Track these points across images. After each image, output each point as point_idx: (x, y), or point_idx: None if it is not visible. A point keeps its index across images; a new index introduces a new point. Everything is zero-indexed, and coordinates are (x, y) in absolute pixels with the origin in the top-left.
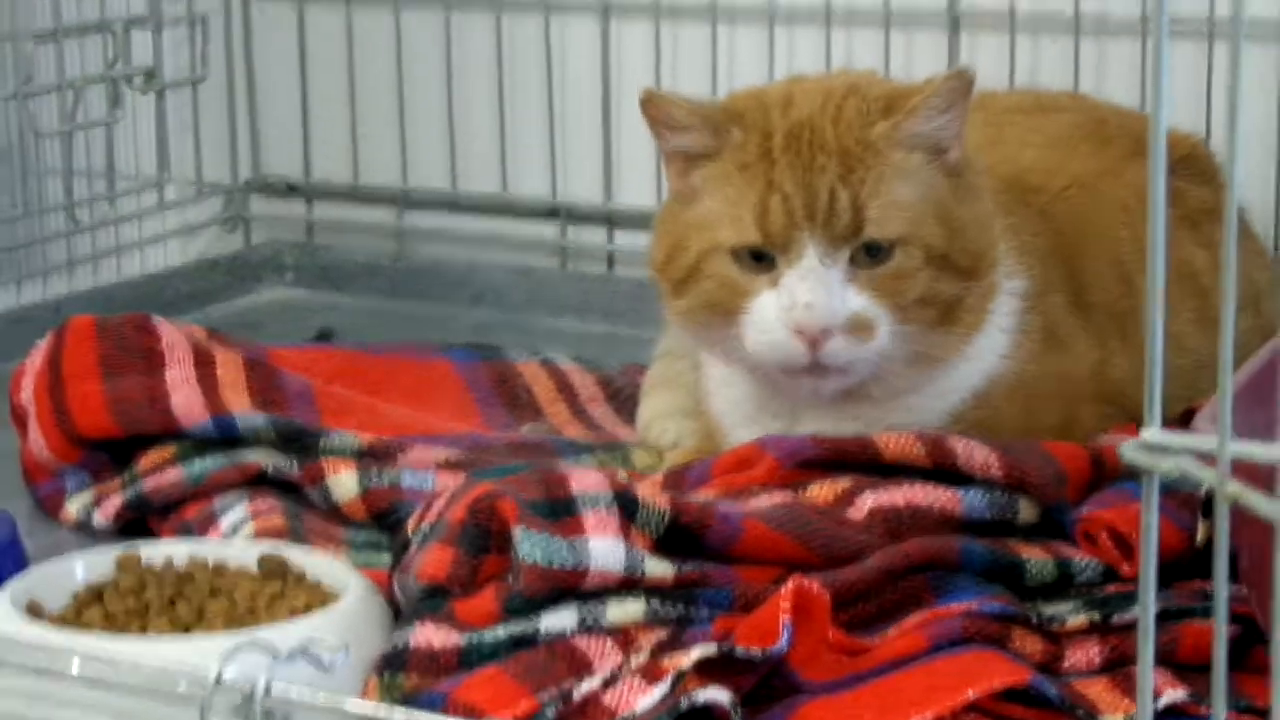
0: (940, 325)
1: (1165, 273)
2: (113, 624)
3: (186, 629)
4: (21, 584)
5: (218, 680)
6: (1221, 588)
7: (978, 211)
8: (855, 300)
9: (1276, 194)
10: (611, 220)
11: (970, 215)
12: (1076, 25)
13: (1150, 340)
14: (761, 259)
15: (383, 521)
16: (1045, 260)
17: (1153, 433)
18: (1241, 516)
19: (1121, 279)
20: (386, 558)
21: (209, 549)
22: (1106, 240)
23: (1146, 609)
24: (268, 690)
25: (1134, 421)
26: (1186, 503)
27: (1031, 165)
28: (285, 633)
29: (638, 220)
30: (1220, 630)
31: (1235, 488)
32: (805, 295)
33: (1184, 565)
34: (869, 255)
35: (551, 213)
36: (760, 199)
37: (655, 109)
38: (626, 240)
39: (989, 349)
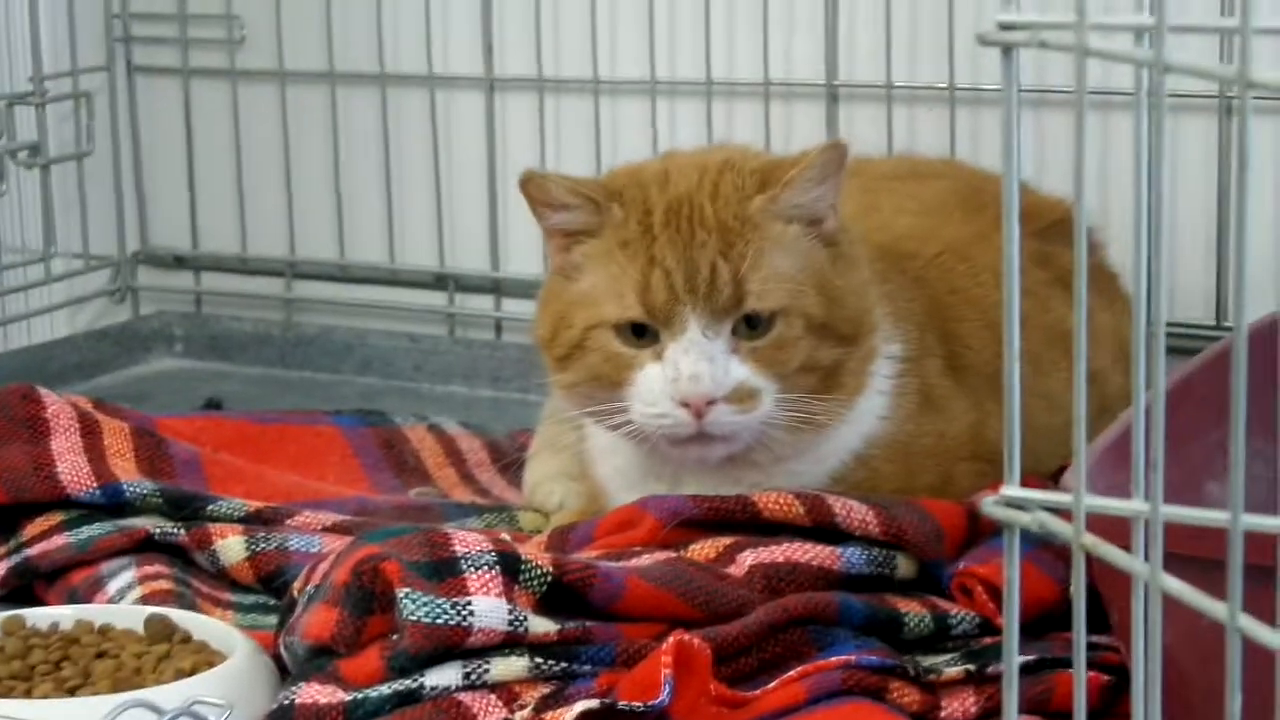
0: (823, 391)
1: (1031, 333)
2: None
3: (72, 691)
4: None
5: None
6: (1080, 634)
7: (855, 279)
8: (738, 370)
9: (1219, 266)
10: (499, 289)
11: (848, 283)
12: (951, 96)
13: (1008, 398)
14: (644, 333)
15: (270, 584)
16: (921, 325)
17: (1012, 488)
18: (1113, 571)
19: (996, 341)
20: (273, 620)
21: (95, 612)
22: (980, 305)
23: (1010, 656)
24: None
25: None
26: (1061, 555)
27: (906, 232)
28: (170, 692)
29: (524, 288)
30: (1080, 676)
31: (1090, 539)
32: (689, 367)
33: (1059, 617)
34: (750, 327)
35: (439, 282)
36: (642, 275)
37: (535, 189)
38: (514, 308)
39: (868, 411)
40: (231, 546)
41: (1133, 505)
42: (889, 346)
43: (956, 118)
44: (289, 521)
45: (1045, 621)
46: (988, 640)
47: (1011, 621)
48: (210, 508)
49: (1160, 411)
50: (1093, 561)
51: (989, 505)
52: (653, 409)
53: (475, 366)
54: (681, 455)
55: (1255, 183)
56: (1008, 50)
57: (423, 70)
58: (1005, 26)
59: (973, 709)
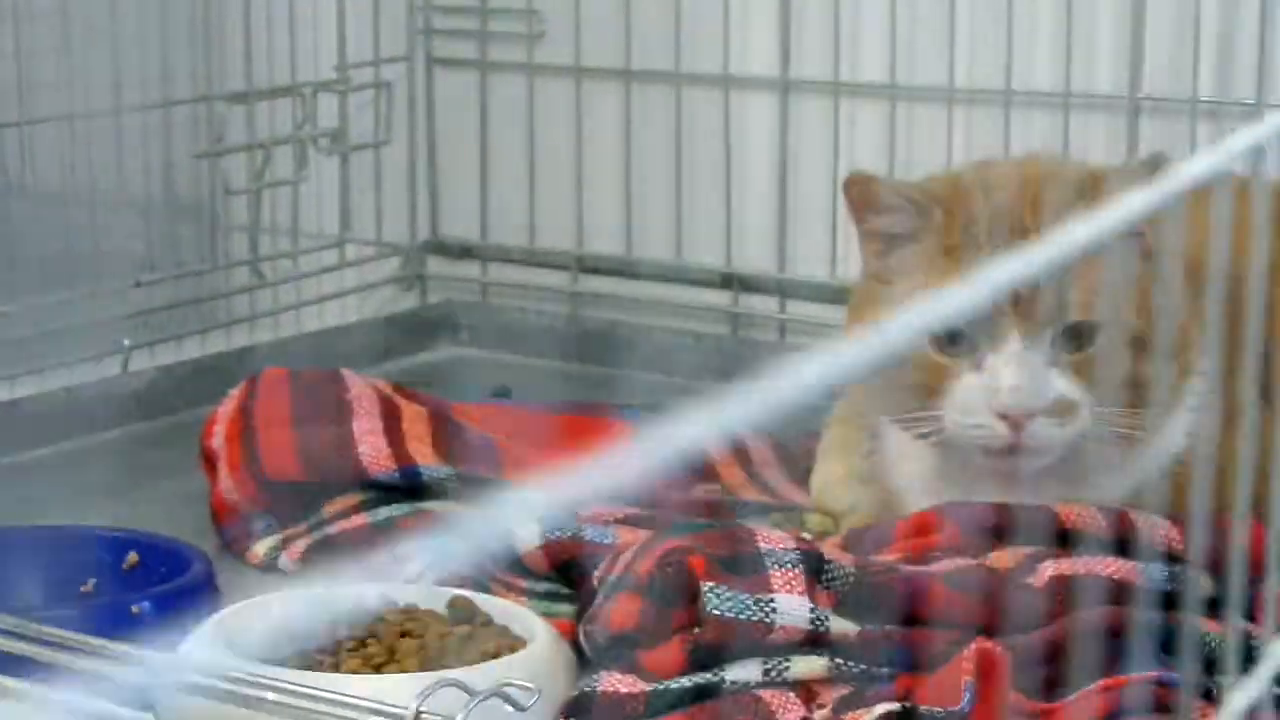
0: (1138, 406)
1: None
2: (306, 660)
3: (379, 668)
4: (219, 619)
5: (416, 716)
6: None
7: (1171, 295)
8: (1059, 383)
9: None
10: (784, 290)
11: (1164, 299)
12: (1261, 113)
13: None
14: (962, 341)
15: (564, 573)
16: (1232, 343)
17: None
18: None
19: None
20: (565, 608)
21: (399, 591)
22: None
23: None
24: None
25: None
26: None
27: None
28: (479, 674)
29: (810, 291)
30: None
31: None
32: (1010, 379)
33: None
34: (1071, 339)
35: (725, 282)
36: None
37: (860, 190)
38: (799, 310)
39: (1177, 429)
40: (526, 534)
41: None
42: (1201, 363)
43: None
44: (582, 511)
45: None
46: None
47: None
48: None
49: None
50: None
51: None
52: (970, 419)
53: (759, 367)
54: (994, 466)
55: None
56: None
57: (718, 70)
58: None
59: None
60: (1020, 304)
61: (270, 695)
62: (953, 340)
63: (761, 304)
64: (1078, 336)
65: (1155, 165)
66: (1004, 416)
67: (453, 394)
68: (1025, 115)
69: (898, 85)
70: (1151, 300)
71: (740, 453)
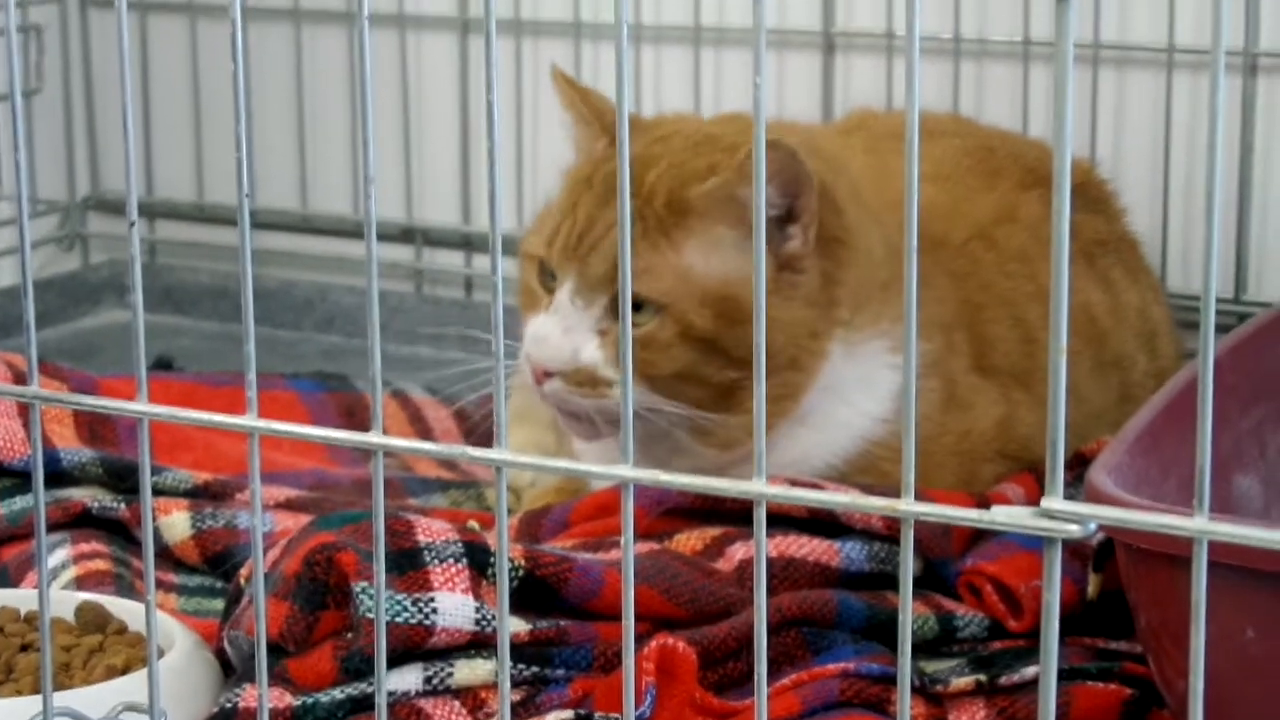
0: (713, 409)
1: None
2: None
3: None
4: None
5: None
6: None
7: (793, 314)
8: (590, 353)
9: (1164, 225)
10: (470, 244)
11: (776, 315)
12: (956, 48)
13: (1053, 417)
14: (553, 279)
15: (217, 566)
16: (948, 327)
17: (1054, 500)
18: (1141, 575)
19: (1024, 337)
20: (219, 604)
21: (22, 598)
22: (1007, 300)
23: (1047, 692)
24: None
25: (1030, 470)
26: (1077, 554)
27: (929, 205)
28: (99, 695)
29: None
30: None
31: None
32: (540, 328)
33: (1077, 619)
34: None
35: (406, 235)
36: (560, 218)
37: (556, 86)
38: (486, 264)
39: (860, 415)
40: (175, 524)
41: (1191, 524)
42: (895, 358)
43: (961, 71)
44: (239, 495)
45: (1062, 625)
46: (997, 645)
47: (1050, 643)
48: (154, 479)
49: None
50: (1119, 564)
51: (1029, 518)
52: (522, 357)
53: (444, 326)
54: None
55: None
56: None
57: (393, 9)
58: None
59: None
60: (581, 256)
61: None
62: (551, 274)
63: (446, 258)
64: (636, 311)
65: (776, 153)
66: (529, 361)
67: (113, 364)
68: (716, 54)
69: (583, 24)
70: (747, 310)
71: (419, 422)
